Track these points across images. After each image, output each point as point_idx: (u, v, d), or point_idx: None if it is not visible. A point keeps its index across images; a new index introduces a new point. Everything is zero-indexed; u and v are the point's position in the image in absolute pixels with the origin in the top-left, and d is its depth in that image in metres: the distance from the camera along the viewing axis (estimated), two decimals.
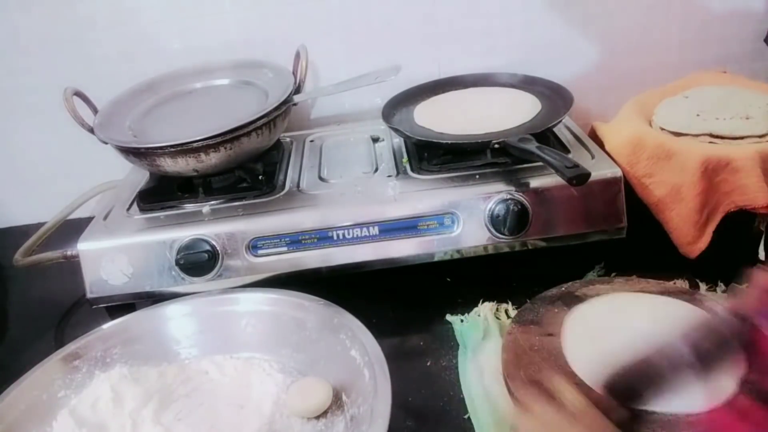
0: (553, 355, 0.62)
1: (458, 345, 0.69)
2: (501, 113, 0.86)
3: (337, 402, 0.61)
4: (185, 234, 0.75)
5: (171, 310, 0.72)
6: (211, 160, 0.78)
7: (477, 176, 0.79)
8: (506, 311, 0.72)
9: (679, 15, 1.01)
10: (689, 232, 0.75)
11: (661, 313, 0.65)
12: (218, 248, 0.75)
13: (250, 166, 0.86)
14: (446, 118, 0.88)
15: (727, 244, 0.75)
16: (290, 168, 0.89)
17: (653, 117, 0.85)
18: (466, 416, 0.61)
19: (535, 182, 0.75)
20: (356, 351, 0.62)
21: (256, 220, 0.76)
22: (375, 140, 0.95)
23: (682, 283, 0.73)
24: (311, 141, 0.99)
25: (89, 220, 0.82)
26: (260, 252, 0.75)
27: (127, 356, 0.69)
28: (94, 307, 0.77)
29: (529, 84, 0.94)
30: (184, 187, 0.85)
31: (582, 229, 0.76)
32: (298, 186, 0.84)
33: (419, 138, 0.83)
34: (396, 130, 0.86)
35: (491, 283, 0.77)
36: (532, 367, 0.61)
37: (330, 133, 1.01)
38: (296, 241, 0.75)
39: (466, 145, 0.80)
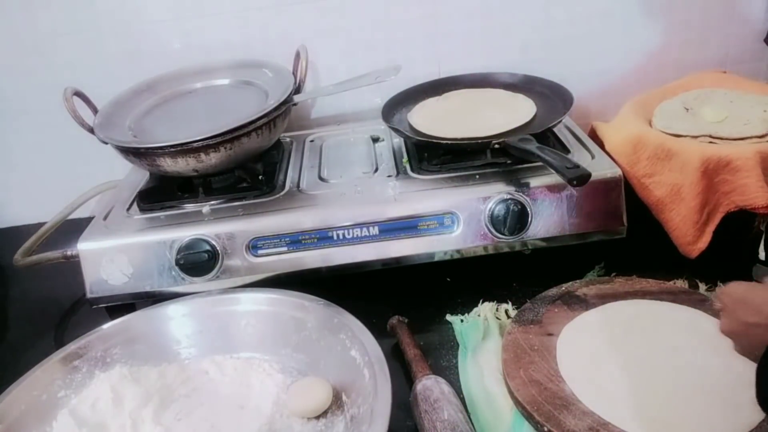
0: (552, 355, 0.63)
1: (458, 345, 0.69)
2: (501, 113, 0.86)
3: (337, 402, 0.61)
4: (185, 234, 0.75)
5: (171, 310, 0.72)
6: (211, 160, 0.78)
7: (477, 176, 0.79)
8: (506, 311, 0.72)
9: (679, 15, 1.01)
10: (689, 232, 0.75)
11: (667, 324, 0.66)
12: (218, 248, 0.75)
13: (250, 166, 0.86)
14: (446, 118, 0.88)
15: (727, 244, 0.75)
16: (290, 168, 0.89)
17: (653, 119, 0.85)
18: None
19: (535, 182, 0.75)
20: (356, 351, 0.62)
21: (256, 220, 0.76)
22: (375, 140, 0.95)
23: (682, 283, 0.73)
24: (311, 141, 0.99)
25: (89, 220, 0.82)
26: (260, 252, 0.75)
27: (127, 356, 0.69)
28: (94, 307, 0.77)
29: (529, 84, 0.94)
30: (184, 187, 0.85)
31: (582, 229, 0.76)
32: (298, 186, 0.84)
33: (419, 138, 0.83)
34: (396, 130, 0.86)
35: (491, 283, 0.77)
36: (532, 367, 0.61)
37: (330, 133, 1.01)
38: (296, 241, 0.75)
39: (466, 145, 0.80)
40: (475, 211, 0.75)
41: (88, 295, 0.76)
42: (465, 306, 0.74)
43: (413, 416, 0.60)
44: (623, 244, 0.77)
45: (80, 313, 0.84)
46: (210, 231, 0.75)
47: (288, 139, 1.00)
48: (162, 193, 0.84)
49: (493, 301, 0.74)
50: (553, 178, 0.74)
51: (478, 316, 0.72)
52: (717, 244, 0.74)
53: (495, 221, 0.74)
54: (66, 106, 0.82)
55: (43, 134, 1.04)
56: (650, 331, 0.64)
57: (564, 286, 0.72)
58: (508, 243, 0.76)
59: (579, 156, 0.81)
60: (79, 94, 0.87)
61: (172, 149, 0.77)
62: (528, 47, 1.02)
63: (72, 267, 0.77)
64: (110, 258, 0.75)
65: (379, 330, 0.63)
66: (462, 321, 0.72)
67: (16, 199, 1.09)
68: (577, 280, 0.74)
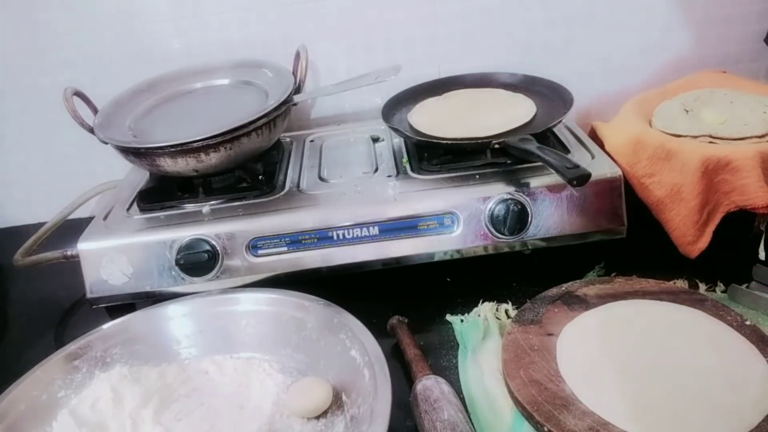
0: (552, 355, 0.63)
1: (458, 345, 0.69)
2: (501, 113, 0.86)
3: (337, 402, 0.61)
4: (185, 234, 0.75)
5: (171, 310, 0.72)
6: (211, 160, 0.78)
7: (477, 176, 0.79)
8: (506, 311, 0.72)
9: (679, 15, 1.01)
10: (689, 232, 0.75)
11: (670, 326, 0.65)
12: (218, 248, 0.75)
13: (250, 166, 0.86)
14: (446, 118, 0.88)
15: (727, 244, 0.75)
16: (290, 168, 0.89)
17: (652, 119, 0.85)
18: None
19: (535, 182, 0.75)
20: (356, 351, 0.62)
21: (256, 220, 0.76)
22: (375, 140, 0.95)
23: (682, 283, 0.73)
24: (311, 141, 0.99)
25: (89, 220, 0.82)
26: (260, 252, 0.75)
27: (127, 356, 0.69)
28: (94, 307, 0.77)
29: (529, 84, 0.94)
30: (184, 187, 0.85)
31: (582, 229, 0.76)
32: (298, 186, 0.84)
33: (419, 138, 0.83)
34: (396, 130, 0.86)
35: (491, 283, 0.77)
36: (532, 367, 0.61)
37: (330, 133, 1.01)
38: (296, 241, 0.75)
39: (466, 145, 0.80)
40: (475, 211, 0.75)
41: (88, 295, 0.76)
42: (465, 306, 0.74)
43: (413, 416, 0.60)
44: (623, 244, 0.77)
45: (80, 313, 0.84)
46: (210, 231, 0.75)
47: (288, 139, 1.00)
48: (162, 193, 0.84)
49: (493, 301, 0.74)
50: (553, 178, 0.74)
51: (478, 316, 0.72)
52: (717, 244, 0.74)
53: (495, 221, 0.74)
54: (66, 106, 0.82)
55: (43, 134, 1.04)
56: (650, 331, 0.64)
57: (564, 286, 0.72)
58: (508, 243, 0.76)
59: (579, 156, 0.81)
60: (79, 94, 0.87)
61: (172, 149, 0.77)
62: (528, 47, 1.02)
63: (72, 267, 0.77)
64: (110, 258, 0.75)
65: (379, 330, 0.63)
66: (462, 321, 0.72)
67: (16, 199, 1.09)
68: (577, 280, 0.74)
